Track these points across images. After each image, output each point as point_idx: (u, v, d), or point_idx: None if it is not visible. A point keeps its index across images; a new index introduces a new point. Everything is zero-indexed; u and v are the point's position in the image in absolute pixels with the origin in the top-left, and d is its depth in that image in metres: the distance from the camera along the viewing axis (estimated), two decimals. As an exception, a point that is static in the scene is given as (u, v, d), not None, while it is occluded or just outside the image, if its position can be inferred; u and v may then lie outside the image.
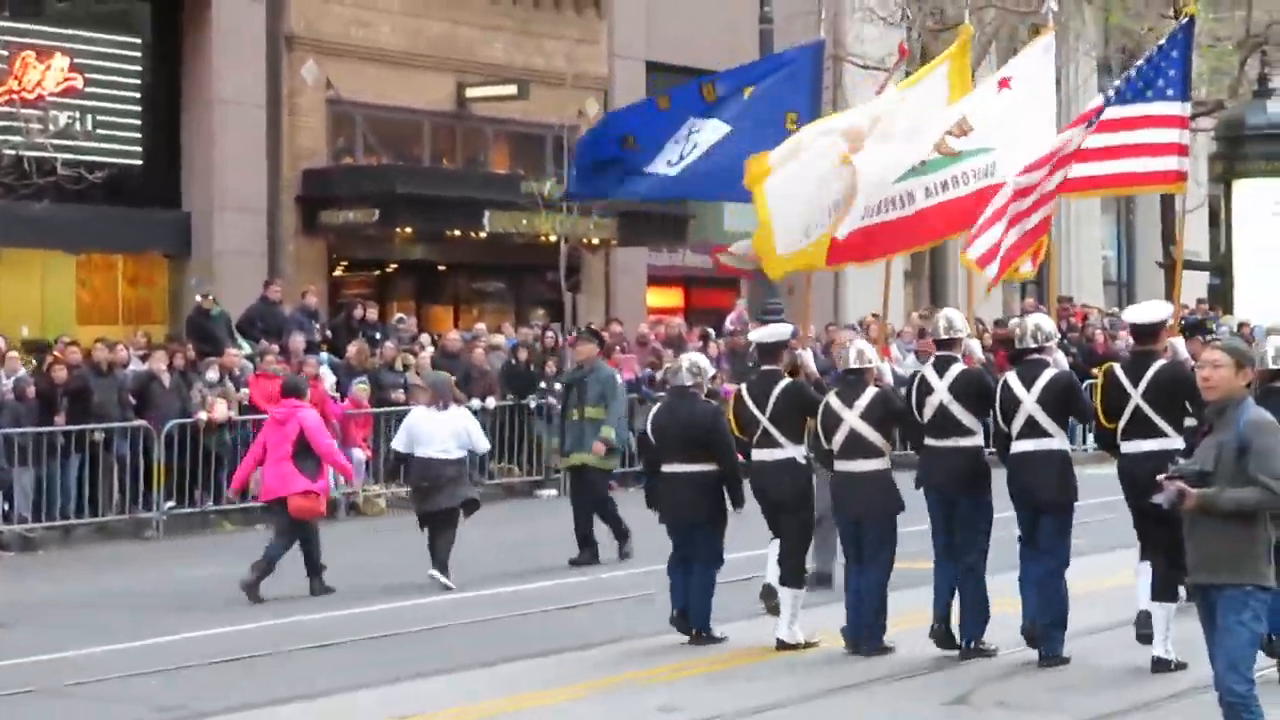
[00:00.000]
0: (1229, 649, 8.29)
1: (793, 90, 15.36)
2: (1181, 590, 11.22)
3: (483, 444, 17.22)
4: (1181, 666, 11.59)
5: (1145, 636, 11.99)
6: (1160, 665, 11.74)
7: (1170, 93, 13.70)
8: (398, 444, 16.84)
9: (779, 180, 14.00)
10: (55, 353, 21.46)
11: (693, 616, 13.30)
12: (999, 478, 12.60)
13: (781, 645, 12.93)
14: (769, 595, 13.17)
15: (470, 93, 31.21)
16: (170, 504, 21.19)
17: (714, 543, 13.42)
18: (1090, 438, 20.50)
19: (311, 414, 16.73)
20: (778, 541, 13.24)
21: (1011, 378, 12.43)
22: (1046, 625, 12.14)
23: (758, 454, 13.14)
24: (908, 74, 31.43)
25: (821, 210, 13.97)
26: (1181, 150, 13.81)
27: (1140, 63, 14.02)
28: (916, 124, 14.27)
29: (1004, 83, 14.59)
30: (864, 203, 13.75)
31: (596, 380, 18.36)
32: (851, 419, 12.64)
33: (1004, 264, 13.47)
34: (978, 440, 12.63)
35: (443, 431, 16.41)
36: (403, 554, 17.33)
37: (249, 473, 16.77)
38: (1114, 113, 13.75)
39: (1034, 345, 12.41)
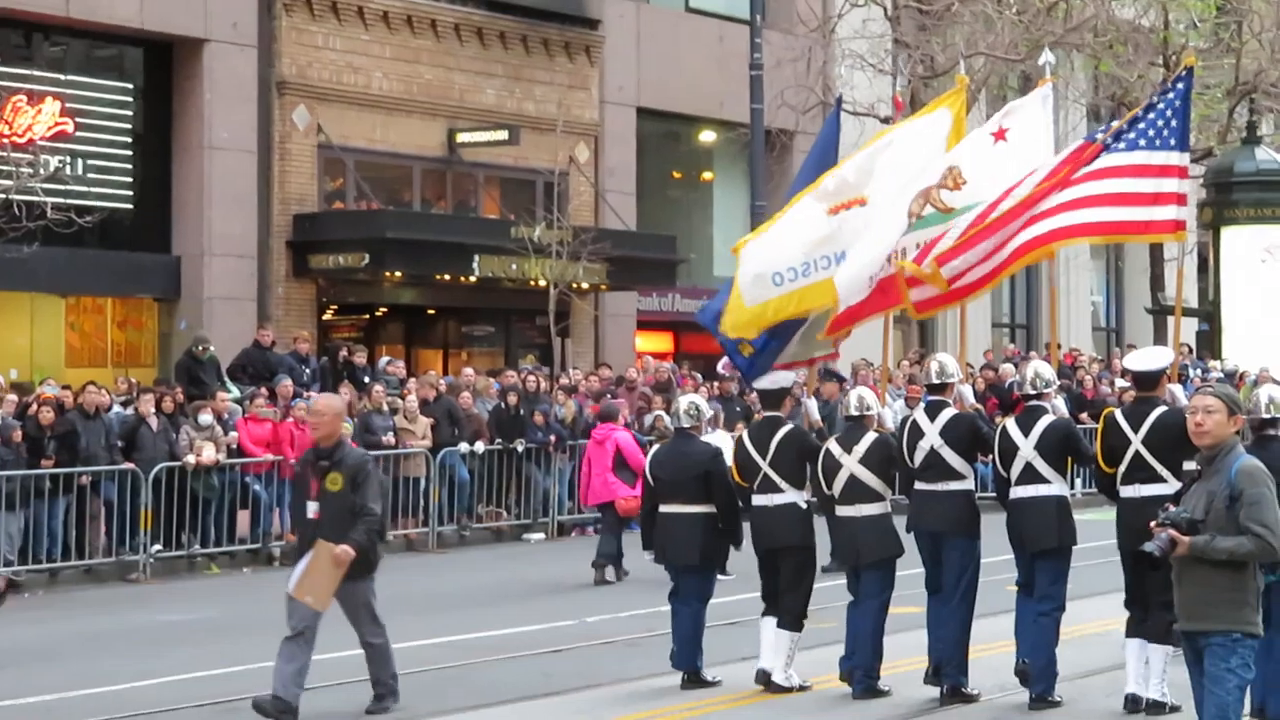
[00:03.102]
0: (1218, 696, 8.26)
1: (811, 163, 15.12)
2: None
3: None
4: (1176, 709, 11.55)
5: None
6: (1155, 708, 11.71)
7: (1171, 142, 13.70)
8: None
9: (754, 244, 14.12)
10: (39, 392, 21.35)
11: (683, 658, 13.26)
12: (989, 522, 12.60)
13: (775, 689, 12.87)
14: (766, 681, 13.00)
15: (461, 138, 31.24)
16: (157, 547, 21.11)
17: (706, 585, 13.41)
18: (1079, 482, 20.47)
19: (625, 435, 20.45)
20: (771, 621, 13.06)
21: (1010, 424, 12.50)
22: (1039, 667, 12.14)
23: (758, 499, 13.09)
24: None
25: (794, 261, 13.87)
26: (1180, 200, 13.76)
27: (1139, 111, 13.97)
28: (910, 175, 14.18)
29: (1000, 134, 14.51)
30: (860, 260, 13.70)
31: None
32: (851, 464, 12.70)
33: (959, 292, 13.37)
34: (968, 484, 12.67)
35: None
36: (392, 597, 17.23)
37: (586, 485, 20.60)
38: (1113, 160, 13.69)
39: (1033, 392, 12.47)
